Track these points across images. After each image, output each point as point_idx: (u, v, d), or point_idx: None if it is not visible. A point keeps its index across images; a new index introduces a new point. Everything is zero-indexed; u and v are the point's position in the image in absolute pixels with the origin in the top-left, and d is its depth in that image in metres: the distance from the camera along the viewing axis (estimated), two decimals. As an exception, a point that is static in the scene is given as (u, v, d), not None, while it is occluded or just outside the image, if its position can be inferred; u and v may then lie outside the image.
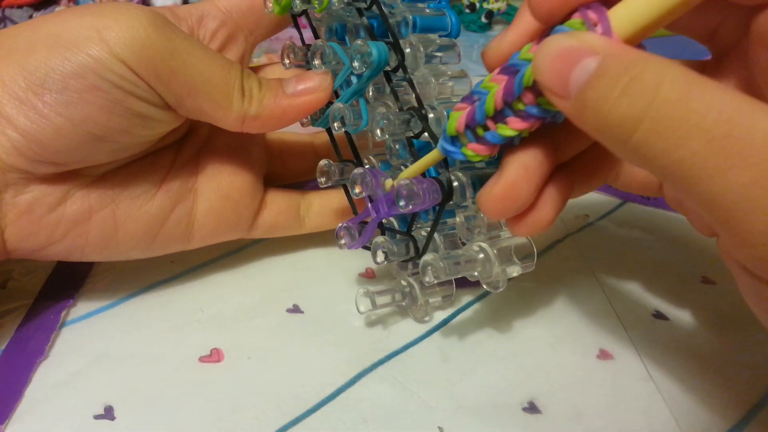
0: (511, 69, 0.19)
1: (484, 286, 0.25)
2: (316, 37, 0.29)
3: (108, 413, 0.23)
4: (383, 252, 0.25)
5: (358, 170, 0.25)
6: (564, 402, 0.24)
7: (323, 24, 0.28)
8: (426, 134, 0.24)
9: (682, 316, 0.28)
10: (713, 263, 0.31)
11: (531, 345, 0.27)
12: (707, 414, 0.24)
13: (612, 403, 0.24)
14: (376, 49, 0.24)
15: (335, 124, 0.26)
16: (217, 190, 0.28)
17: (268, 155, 0.32)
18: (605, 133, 0.16)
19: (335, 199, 0.31)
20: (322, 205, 0.31)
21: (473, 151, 0.21)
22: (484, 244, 0.25)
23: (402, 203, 0.22)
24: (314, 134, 0.35)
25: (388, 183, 0.25)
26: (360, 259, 0.31)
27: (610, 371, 0.25)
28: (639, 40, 0.17)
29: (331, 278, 0.30)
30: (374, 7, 0.25)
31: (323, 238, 0.32)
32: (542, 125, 0.20)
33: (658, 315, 0.28)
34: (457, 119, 0.21)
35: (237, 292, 0.29)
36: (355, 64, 0.25)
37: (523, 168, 0.21)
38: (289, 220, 0.31)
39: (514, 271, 0.25)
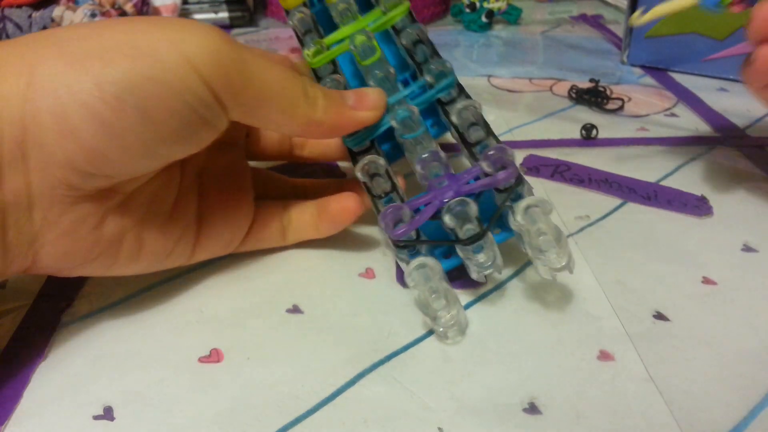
0: None
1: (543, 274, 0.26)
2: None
3: (107, 414, 0.23)
4: (454, 215, 0.25)
5: (429, 150, 0.27)
6: (564, 403, 0.24)
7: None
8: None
9: (682, 317, 0.28)
10: (713, 264, 0.31)
11: (531, 346, 0.27)
12: (708, 415, 0.23)
13: (612, 405, 0.24)
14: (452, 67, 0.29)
15: (393, 122, 0.28)
16: (220, 210, 0.29)
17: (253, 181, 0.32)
18: None
19: (309, 212, 0.31)
20: (298, 219, 0.31)
21: (734, 8, 0.29)
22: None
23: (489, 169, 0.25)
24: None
25: None
26: (360, 259, 0.31)
27: (610, 372, 0.25)
28: None
29: (331, 278, 0.30)
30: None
31: (323, 238, 0.32)
32: None
33: (659, 316, 0.28)
34: None
35: (236, 292, 0.29)
36: (429, 77, 0.29)
37: None
38: (274, 233, 0.31)
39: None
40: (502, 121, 0.47)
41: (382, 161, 0.28)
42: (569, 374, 0.25)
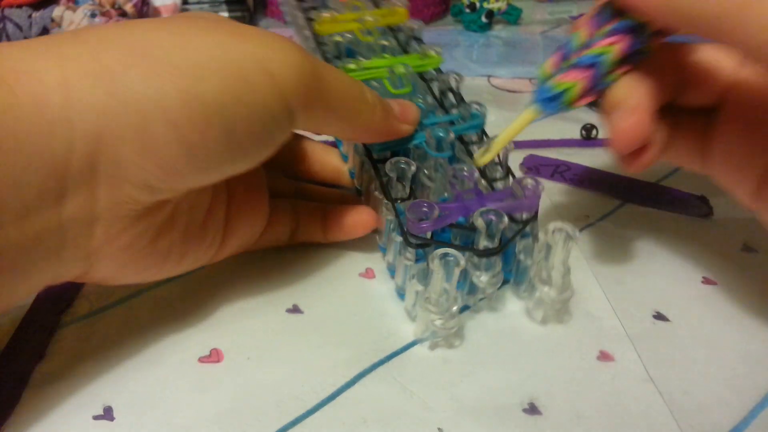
0: (621, 30, 0.23)
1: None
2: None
3: (107, 414, 0.23)
4: (484, 221, 0.25)
5: (467, 166, 0.28)
6: (564, 403, 0.24)
7: None
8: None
9: (682, 316, 0.28)
10: (713, 264, 0.31)
11: (531, 346, 0.27)
12: (708, 415, 0.24)
13: (612, 405, 0.24)
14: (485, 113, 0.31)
15: (429, 137, 0.29)
16: (244, 209, 0.29)
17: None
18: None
19: (318, 217, 0.31)
20: (307, 223, 0.31)
21: (582, 104, 0.25)
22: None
23: (520, 193, 0.26)
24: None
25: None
26: (360, 259, 0.31)
27: (610, 373, 0.25)
28: None
29: (331, 278, 0.30)
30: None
31: (323, 239, 0.32)
32: (635, 68, 0.24)
33: (659, 316, 0.28)
34: (581, 85, 0.24)
35: (236, 292, 0.29)
36: (458, 111, 0.31)
37: (643, 103, 0.24)
38: (282, 233, 0.31)
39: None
40: (502, 121, 0.46)
41: (413, 167, 0.28)
42: (569, 374, 0.25)
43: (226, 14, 0.68)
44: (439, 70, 0.34)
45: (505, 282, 0.29)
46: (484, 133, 0.31)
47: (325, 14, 0.38)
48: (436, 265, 0.24)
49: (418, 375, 0.25)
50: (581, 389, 0.25)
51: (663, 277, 0.30)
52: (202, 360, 0.26)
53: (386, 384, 0.25)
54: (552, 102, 0.25)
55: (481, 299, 0.28)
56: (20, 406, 0.23)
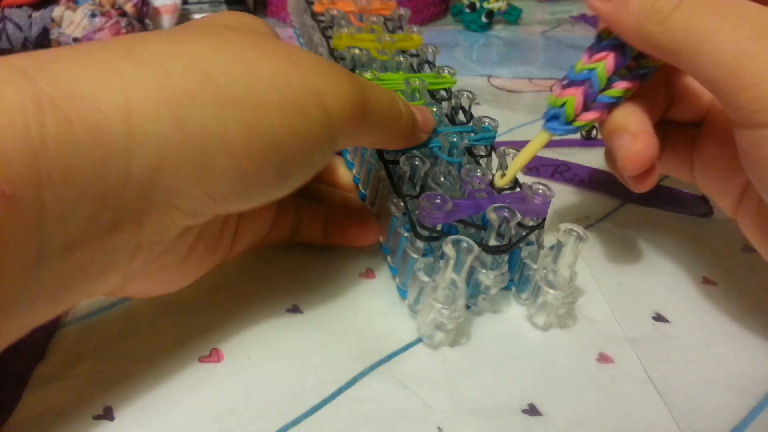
0: (608, 47, 0.25)
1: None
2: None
3: (107, 414, 0.23)
4: (499, 217, 0.25)
5: (479, 168, 0.28)
6: (564, 405, 0.24)
7: None
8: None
9: (682, 318, 0.28)
10: (713, 264, 0.31)
11: (531, 348, 0.27)
12: (707, 416, 0.24)
13: (612, 407, 0.24)
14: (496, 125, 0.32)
15: (444, 143, 0.29)
16: (254, 216, 0.29)
17: None
18: (645, 18, 0.23)
19: (320, 220, 0.31)
20: (309, 225, 0.31)
21: (585, 120, 0.26)
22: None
23: (537, 200, 0.27)
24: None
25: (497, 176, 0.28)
26: (360, 259, 0.31)
27: (609, 375, 0.25)
28: None
29: (331, 278, 0.30)
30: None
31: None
32: (639, 87, 0.26)
33: (658, 318, 0.28)
34: (577, 99, 0.26)
35: (236, 292, 0.29)
36: (476, 125, 0.31)
37: (645, 126, 0.26)
38: (284, 233, 0.31)
39: None
40: (502, 121, 0.47)
41: (427, 165, 0.28)
42: (569, 376, 0.25)
43: (226, 14, 0.68)
44: (450, 91, 0.35)
45: (506, 290, 0.29)
46: (492, 148, 0.31)
47: (344, 31, 0.39)
48: (449, 250, 0.24)
49: (418, 374, 0.25)
50: (581, 391, 0.25)
51: (663, 277, 0.30)
52: (202, 360, 0.26)
53: (386, 383, 0.25)
54: (556, 120, 0.27)
55: (483, 299, 0.28)
56: (20, 406, 0.23)
